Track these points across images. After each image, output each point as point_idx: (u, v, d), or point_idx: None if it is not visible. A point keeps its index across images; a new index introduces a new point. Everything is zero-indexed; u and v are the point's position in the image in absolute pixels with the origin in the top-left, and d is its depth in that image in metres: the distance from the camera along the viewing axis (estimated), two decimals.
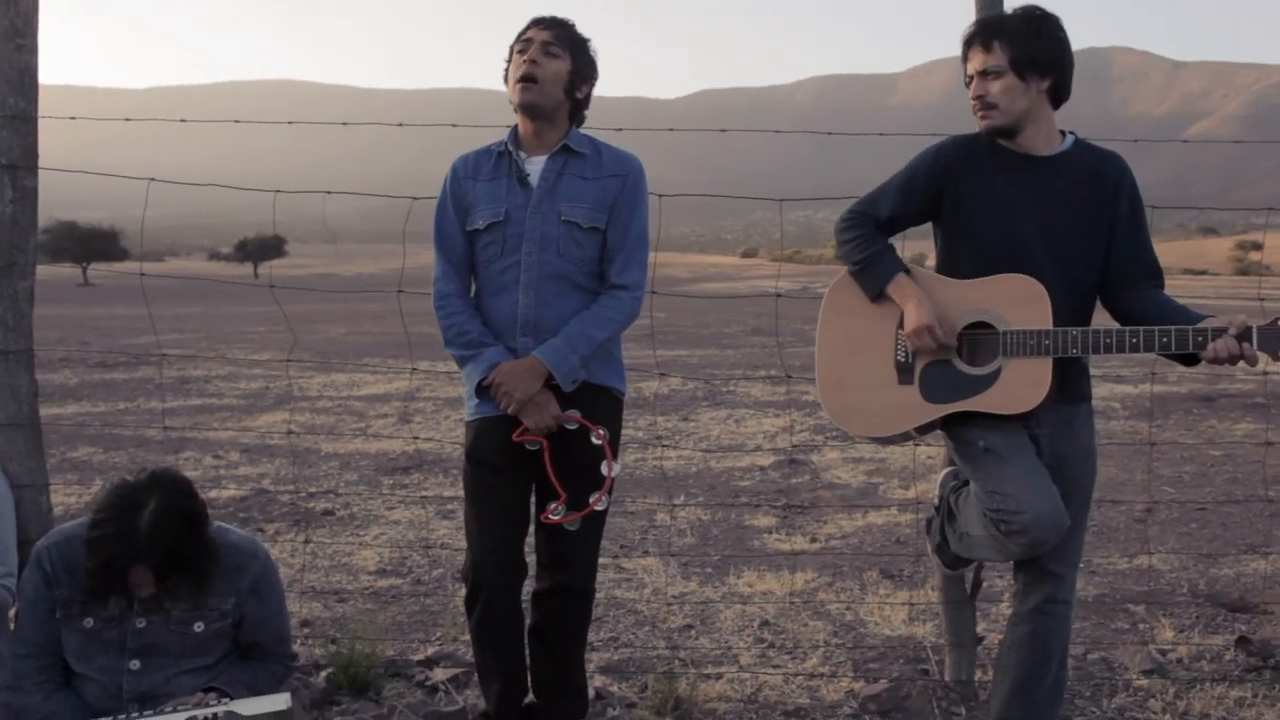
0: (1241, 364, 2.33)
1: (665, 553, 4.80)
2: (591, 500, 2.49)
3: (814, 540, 5.08)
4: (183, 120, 3.12)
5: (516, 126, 2.64)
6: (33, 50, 2.76)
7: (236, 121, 3.16)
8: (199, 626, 2.46)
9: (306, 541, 5.08)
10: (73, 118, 3.64)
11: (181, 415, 9.44)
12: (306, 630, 3.81)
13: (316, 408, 9.77)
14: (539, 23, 2.59)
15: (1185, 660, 3.38)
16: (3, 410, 2.84)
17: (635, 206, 2.60)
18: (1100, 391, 9.41)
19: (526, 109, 2.55)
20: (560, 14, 2.65)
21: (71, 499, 5.89)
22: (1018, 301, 2.50)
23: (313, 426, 8.65)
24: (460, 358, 2.56)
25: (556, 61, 2.55)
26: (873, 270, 2.59)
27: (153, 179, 2.88)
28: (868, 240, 2.61)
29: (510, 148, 2.61)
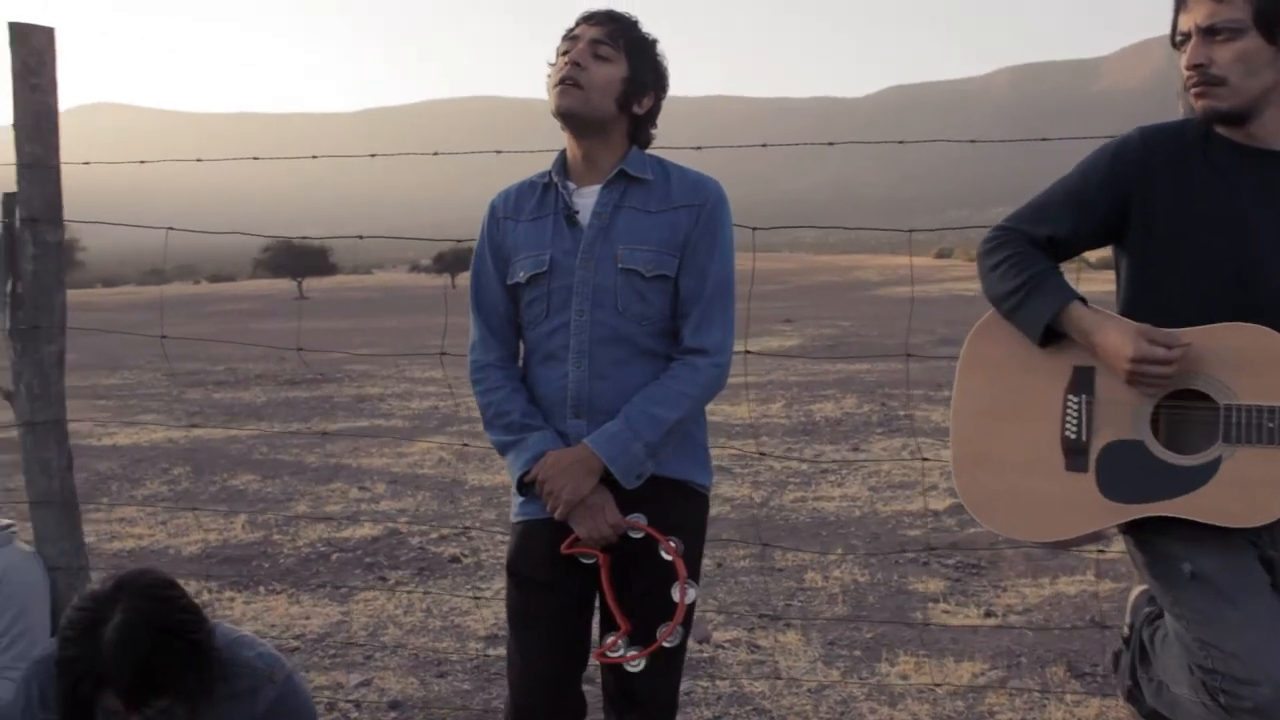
0: None
1: (809, 628, 4.17)
2: (659, 634, 1.93)
3: (989, 614, 4.32)
4: (254, 158, 2.77)
5: (564, 151, 2.13)
6: (49, 90, 2.48)
7: (313, 156, 2.79)
8: None
9: (425, 594, 4.75)
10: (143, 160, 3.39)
11: (346, 439, 9.48)
12: (394, 715, 3.44)
13: (477, 431, 9.61)
14: (589, 18, 2.06)
15: None
16: (32, 487, 2.57)
17: (715, 244, 2.03)
18: None
19: (565, 117, 2.02)
20: (621, 9, 2.13)
21: (213, 535, 5.83)
22: (1249, 363, 1.78)
23: (465, 454, 8.46)
24: (500, 444, 2.06)
25: (607, 66, 2.02)
26: (1035, 300, 1.91)
27: (170, 228, 2.55)
28: (1024, 261, 1.94)
29: (555, 178, 2.10)
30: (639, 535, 1.95)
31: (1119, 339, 1.82)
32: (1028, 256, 1.95)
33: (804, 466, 7.52)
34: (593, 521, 1.93)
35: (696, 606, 2.05)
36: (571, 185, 2.08)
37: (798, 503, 6.41)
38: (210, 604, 4.58)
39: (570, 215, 2.05)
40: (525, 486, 2.01)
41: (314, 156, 2.53)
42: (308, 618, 4.39)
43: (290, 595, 4.70)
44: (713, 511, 6.50)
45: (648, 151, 2.16)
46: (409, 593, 4.77)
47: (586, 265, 2.02)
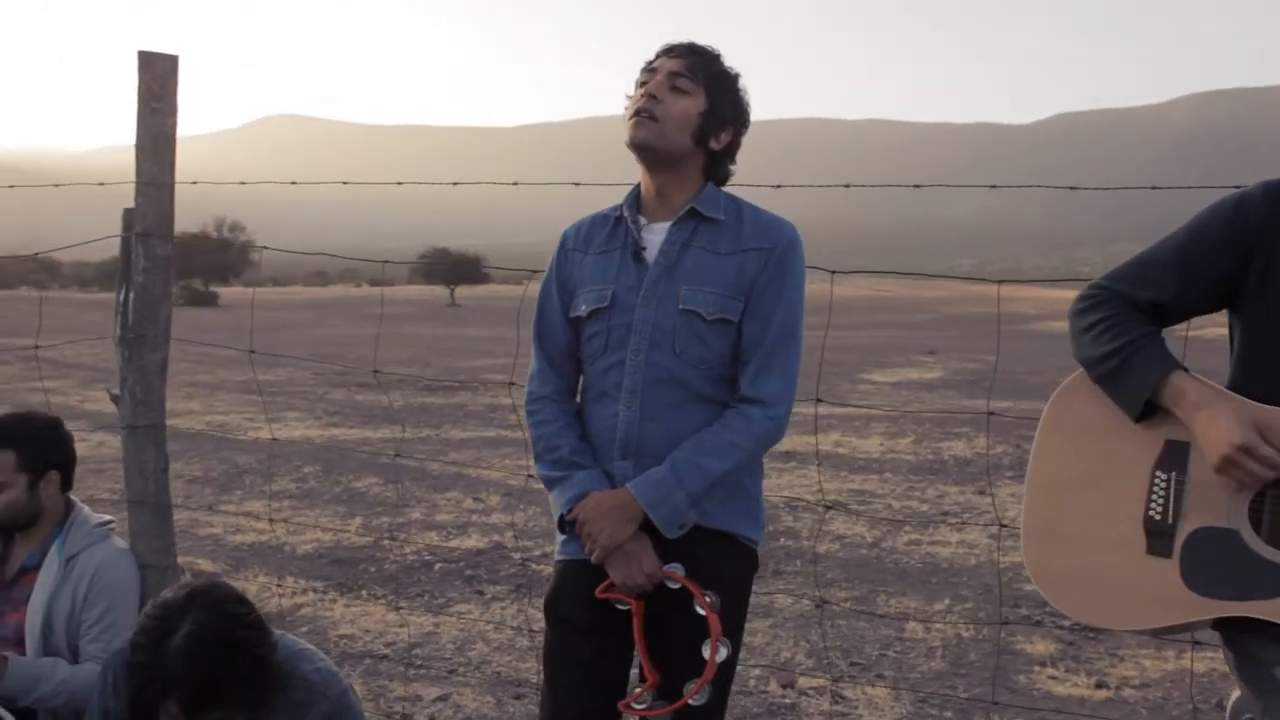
0: None
1: (900, 682, 4.00)
2: (685, 691, 1.87)
3: (1100, 685, 4.04)
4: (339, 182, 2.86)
5: (639, 185, 2.10)
6: (169, 113, 2.62)
7: (399, 183, 2.85)
8: None
9: (518, 611, 4.80)
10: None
11: (471, 448, 9.71)
12: None
13: None
14: (670, 50, 2.04)
15: None
16: (130, 486, 2.71)
17: (782, 291, 1.97)
18: None
19: (638, 150, 2.00)
20: (705, 42, 2.09)
21: (327, 536, 6.05)
22: None
23: None
24: (546, 479, 2.04)
25: (685, 99, 1.99)
26: (1133, 368, 1.75)
27: (266, 248, 2.64)
28: (1121, 324, 1.79)
29: (626, 212, 2.07)
30: (676, 586, 1.90)
31: (1229, 422, 1.65)
32: (1126, 319, 1.79)
33: (924, 508, 7.26)
34: (628, 568, 1.90)
35: (737, 664, 1.98)
36: (642, 220, 2.06)
37: (911, 546, 6.19)
38: (313, 604, 4.74)
39: (637, 251, 2.03)
40: (567, 525, 1.99)
41: (399, 183, 2.60)
42: (402, 625, 4.49)
43: (389, 602, 4.83)
44: (821, 549, 6.34)
45: (725, 189, 2.12)
46: (503, 608, 4.83)
47: (648, 304, 1.99)
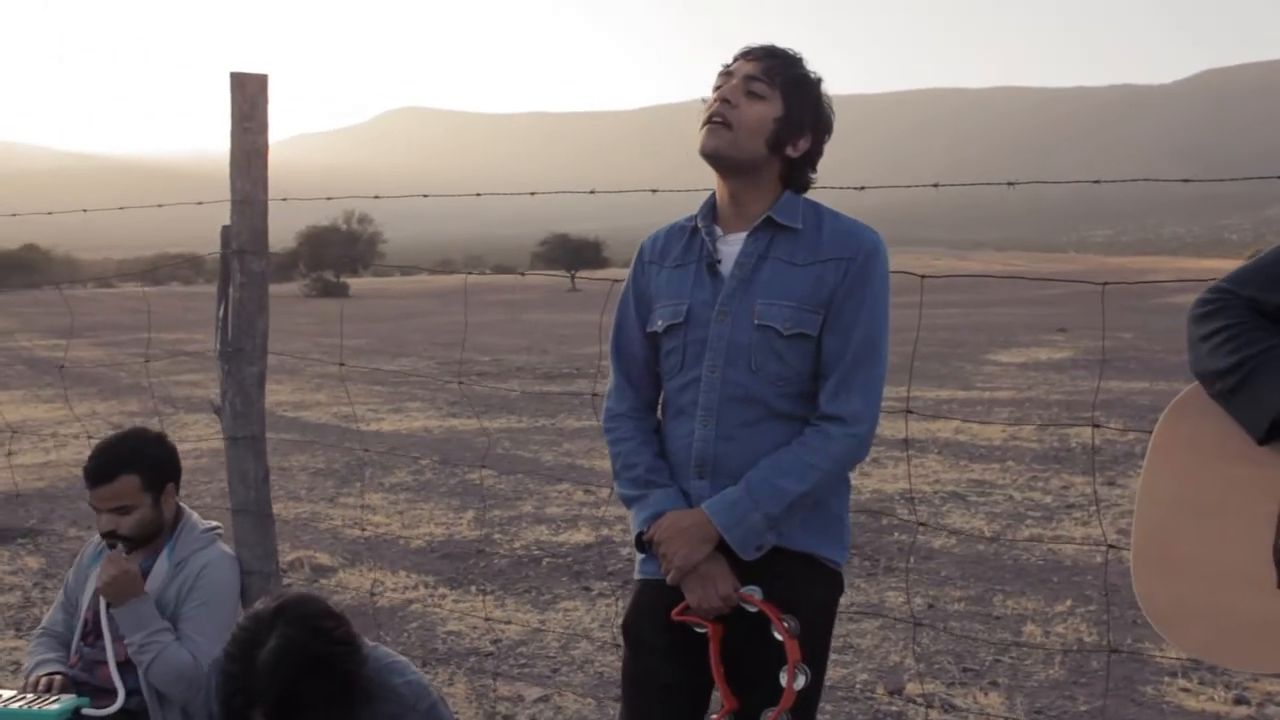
0: None
1: (1015, 691, 3.83)
2: (764, 719, 1.81)
3: (1240, 700, 3.77)
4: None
5: (714, 194, 2.03)
6: (260, 131, 2.68)
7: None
8: None
9: (624, 610, 4.78)
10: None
11: (585, 437, 9.79)
12: None
13: None
14: (746, 54, 1.96)
15: None
16: (233, 495, 2.80)
17: (863, 302, 1.88)
18: None
19: (710, 159, 1.94)
20: (784, 45, 2.01)
21: (440, 530, 6.18)
22: None
23: None
24: (625, 498, 2.01)
25: (760, 104, 1.91)
26: (1256, 387, 1.61)
27: (387, 265, 2.67)
28: (1244, 335, 1.64)
29: (701, 223, 2.01)
30: (754, 609, 1.84)
31: None
32: (1250, 330, 1.64)
33: (1047, 499, 6.96)
34: (703, 590, 1.85)
35: (822, 690, 1.91)
36: (718, 230, 1.99)
37: (1032, 541, 5.93)
38: (423, 600, 4.85)
39: (712, 264, 1.96)
40: (645, 545, 1.95)
41: (479, 194, 2.60)
42: (508, 622, 4.54)
43: (496, 598, 4.89)
44: (936, 544, 6.14)
45: (805, 196, 2.03)
46: (608, 605, 4.83)
47: (723, 319, 1.92)
